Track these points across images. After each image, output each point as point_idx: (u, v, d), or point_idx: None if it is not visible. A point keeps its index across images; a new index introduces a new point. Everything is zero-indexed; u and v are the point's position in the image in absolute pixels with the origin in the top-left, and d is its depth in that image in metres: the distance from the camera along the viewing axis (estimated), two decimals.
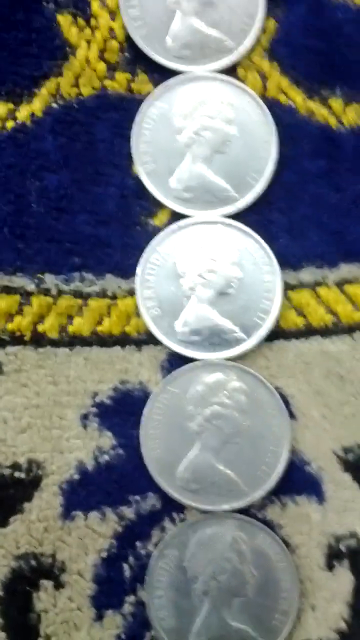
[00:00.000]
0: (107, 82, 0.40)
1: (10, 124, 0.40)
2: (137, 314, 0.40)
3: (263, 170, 0.39)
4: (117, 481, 0.39)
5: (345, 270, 0.39)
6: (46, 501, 0.39)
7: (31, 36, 0.40)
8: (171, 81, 0.39)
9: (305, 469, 0.39)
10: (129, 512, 0.39)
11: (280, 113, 0.40)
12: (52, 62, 0.40)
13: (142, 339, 0.40)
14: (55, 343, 0.40)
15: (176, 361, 0.39)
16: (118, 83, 0.40)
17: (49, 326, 0.40)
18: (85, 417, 0.40)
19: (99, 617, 0.39)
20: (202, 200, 0.39)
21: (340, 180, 0.40)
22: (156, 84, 0.40)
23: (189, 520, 0.39)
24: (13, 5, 0.40)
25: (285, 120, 0.40)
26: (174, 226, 0.39)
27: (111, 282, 0.40)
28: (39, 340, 0.40)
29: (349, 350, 0.39)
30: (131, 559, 0.39)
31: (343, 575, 0.39)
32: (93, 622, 0.39)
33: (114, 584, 0.39)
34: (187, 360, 0.39)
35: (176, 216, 0.40)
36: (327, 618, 0.39)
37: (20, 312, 0.40)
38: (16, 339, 0.40)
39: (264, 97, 0.40)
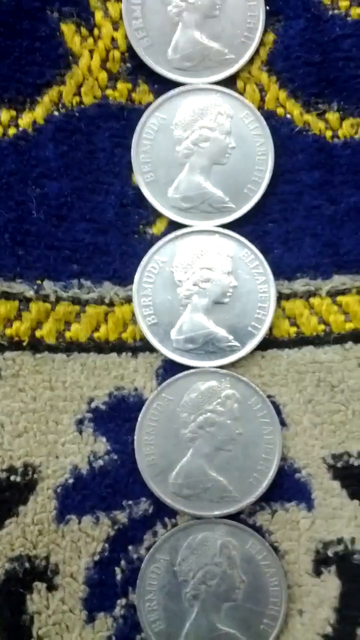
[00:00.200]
0: (109, 92, 0.40)
1: (12, 131, 0.40)
2: (134, 322, 0.40)
3: (259, 182, 0.40)
4: (110, 486, 0.40)
5: (338, 281, 0.40)
6: (41, 505, 0.39)
7: (35, 44, 0.40)
8: (171, 92, 0.40)
9: (296, 476, 0.40)
10: (122, 517, 0.39)
11: (277, 125, 0.40)
12: (55, 70, 0.40)
13: (138, 346, 0.40)
14: (52, 349, 0.40)
15: (171, 368, 0.40)
16: (119, 93, 0.40)
17: (47, 332, 0.40)
18: (80, 422, 0.40)
19: (91, 620, 0.39)
20: (199, 210, 0.40)
21: (334, 192, 0.40)
22: (157, 94, 0.40)
23: (180, 525, 0.39)
24: (17, 14, 0.40)
25: (282, 132, 0.40)
26: (171, 235, 0.40)
27: (109, 289, 0.40)
28: (36, 345, 0.40)
29: (341, 360, 0.40)
30: (123, 562, 0.39)
31: (330, 581, 0.39)
32: (85, 624, 0.39)
33: (106, 587, 0.39)
34: (182, 367, 0.39)
35: (174, 225, 0.40)
36: (315, 623, 0.39)
37: (19, 317, 0.40)
38: (14, 344, 0.40)
39: (261, 109, 0.40)
